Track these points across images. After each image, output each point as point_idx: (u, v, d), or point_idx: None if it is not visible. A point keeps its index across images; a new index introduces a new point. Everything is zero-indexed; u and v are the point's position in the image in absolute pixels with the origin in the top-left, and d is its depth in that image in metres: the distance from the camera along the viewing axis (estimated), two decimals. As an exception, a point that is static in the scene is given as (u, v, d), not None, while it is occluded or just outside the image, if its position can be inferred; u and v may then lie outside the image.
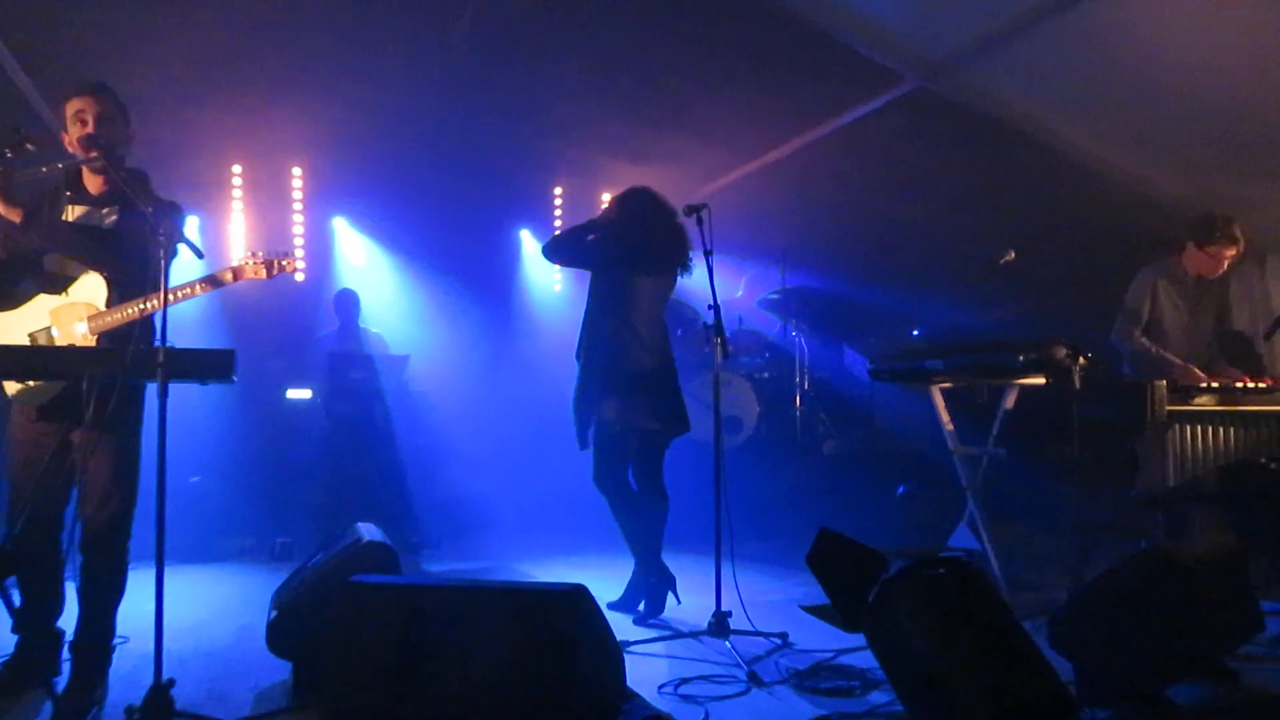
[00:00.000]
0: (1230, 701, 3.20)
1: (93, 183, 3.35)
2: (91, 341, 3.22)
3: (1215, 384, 4.52)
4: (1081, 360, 4.22)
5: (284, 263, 3.47)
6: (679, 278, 4.76)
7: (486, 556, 6.04)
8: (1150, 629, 2.95)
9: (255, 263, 3.43)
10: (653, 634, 4.09)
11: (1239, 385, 4.51)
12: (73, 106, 3.25)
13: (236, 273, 3.40)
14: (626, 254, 4.57)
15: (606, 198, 8.88)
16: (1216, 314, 5.26)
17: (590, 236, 4.67)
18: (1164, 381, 4.39)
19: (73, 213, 3.31)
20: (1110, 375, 4.50)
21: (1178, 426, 4.38)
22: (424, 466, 6.59)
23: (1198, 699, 3.16)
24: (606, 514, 4.60)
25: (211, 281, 3.33)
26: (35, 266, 3.30)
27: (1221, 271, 5.12)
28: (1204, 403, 4.43)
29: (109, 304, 3.25)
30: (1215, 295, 5.28)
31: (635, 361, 4.50)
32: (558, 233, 4.77)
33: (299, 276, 7.94)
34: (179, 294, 3.23)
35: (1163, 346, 5.09)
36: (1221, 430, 4.44)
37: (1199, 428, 4.42)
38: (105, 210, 3.32)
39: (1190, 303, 5.18)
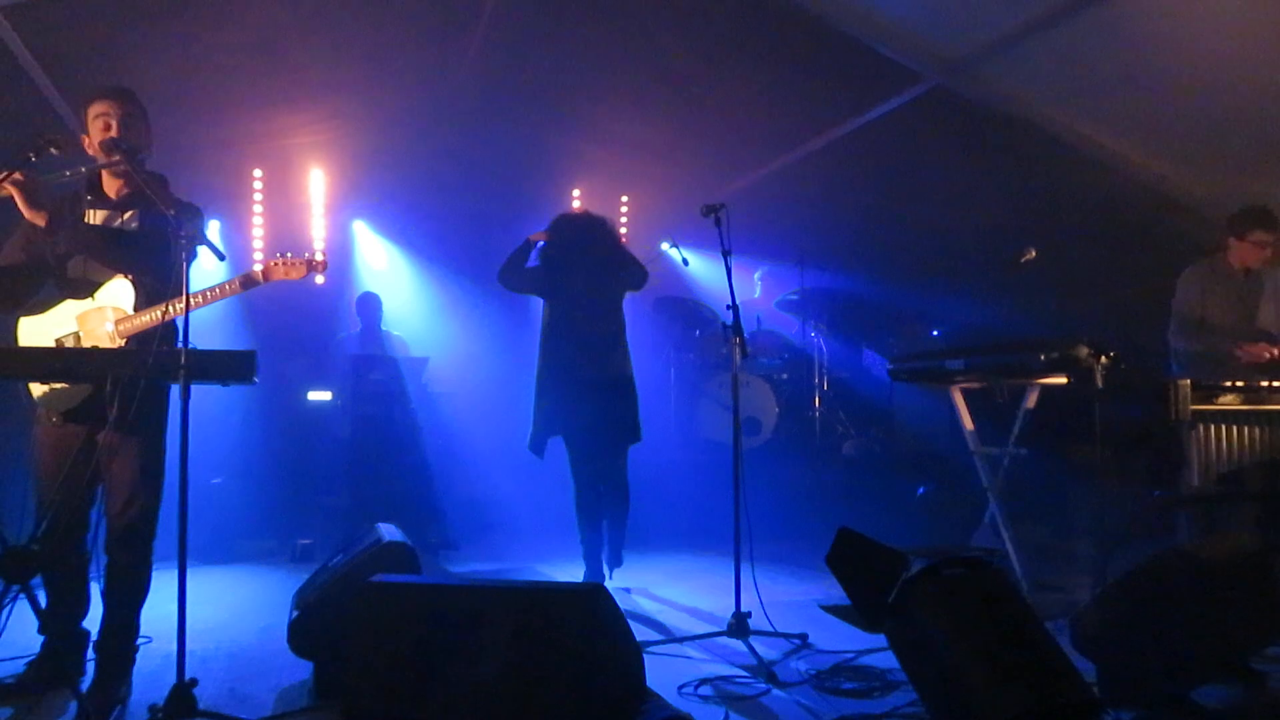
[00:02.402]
0: (1256, 703, 3.16)
1: (112, 186, 3.38)
2: (120, 344, 3.25)
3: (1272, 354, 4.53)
4: (1103, 359, 4.18)
5: (316, 261, 3.49)
6: (625, 281, 5.02)
7: (506, 557, 6.05)
8: (1174, 630, 2.93)
9: (287, 264, 3.44)
10: (672, 634, 4.08)
11: (1263, 384, 4.46)
12: (95, 110, 3.28)
13: (267, 273, 3.42)
14: (557, 277, 4.92)
15: (626, 199, 8.95)
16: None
17: (524, 260, 5.03)
18: (1188, 381, 4.35)
19: (94, 216, 3.33)
20: (1132, 374, 4.47)
21: (1201, 426, 4.33)
22: (444, 468, 6.61)
23: (1223, 701, 3.13)
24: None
25: (244, 282, 3.35)
26: (58, 271, 3.32)
27: (1267, 256, 5.18)
28: (1228, 402, 4.38)
29: (137, 307, 3.27)
30: (1260, 289, 5.32)
31: (570, 374, 4.82)
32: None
33: (319, 279, 7.98)
34: (210, 295, 3.26)
35: (1213, 343, 5.13)
36: (1246, 429, 4.38)
37: (1223, 427, 4.36)
38: (127, 214, 3.35)
39: (1238, 299, 5.24)
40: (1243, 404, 4.40)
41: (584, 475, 4.92)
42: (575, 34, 6.34)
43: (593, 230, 5.02)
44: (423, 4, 6.17)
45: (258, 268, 3.43)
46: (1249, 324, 5.28)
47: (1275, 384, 4.47)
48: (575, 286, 4.90)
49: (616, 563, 5.05)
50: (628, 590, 4.91)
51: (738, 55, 6.46)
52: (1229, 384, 4.42)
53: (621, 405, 4.94)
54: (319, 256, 3.53)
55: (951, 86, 6.26)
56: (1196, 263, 5.34)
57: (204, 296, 3.26)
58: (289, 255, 3.46)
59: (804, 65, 6.44)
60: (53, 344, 3.28)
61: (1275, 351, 4.75)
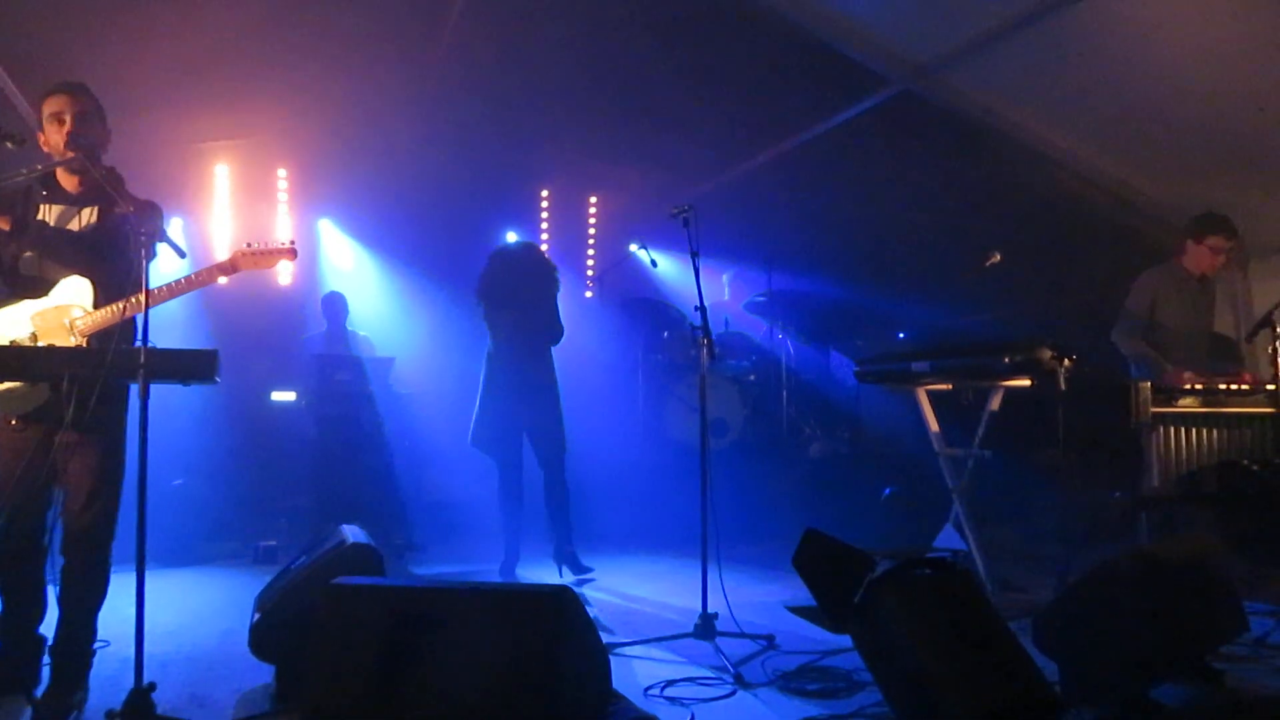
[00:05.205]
0: (1214, 701, 3.21)
1: (68, 182, 3.30)
2: (79, 343, 3.17)
3: (1199, 385, 4.55)
4: (1066, 362, 4.23)
5: (287, 249, 3.42)
6: (550, 297, 5.53)
7: (472, 559, 6.01)
8: (1135, 629, 2.96)
9: (257, 253, 3.37)
10: (639, 636, 4.08)
11: (1221, 387, 4.54)
12: (51, 105, 3.21)
13: (236, 262, 3.35)
14: (484, 307, 5.51)
15: (594, 200, 8.95)
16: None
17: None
18: (1148, 383, 4.41)
19: (49, 213, 3.25)
20: (1095, 377, 4.53)
21: (1161, 428, 4.40)
22: (410, 469, 6.57)
23: (1182, 699, 3.17)
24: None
25: (212, 273, 3.29)
26: (9, 270, 3.23)
27: (1221, 263, 5.26)
28: (1188, 404, 4.45)
29: (96, 305, 3.19)
30: (1212, 295, 5.39)
31: (499, 387, 5.39)
32: None
33: (284, 279, 7.90)
34: (176, 288, 3.19)
35: (1166, 348, 5.19)
36: (1205, 431, 4.46)
37: (1182, 429, 4.44)
38: (84, 211, 3.28)
39: (1191, 303, 5.31)
40: (1201, 407, 4.47)
41: (500, 471, 5.45)
42: (542, 36, 6.32)
43: (527, 258, 5.62)
44: (390, 3, 6.12)
45: (230, 258, 3.37)
46: (1202, 329, 5.35)
47: (1233, 387, 4.54)
48: (505, 307, 5.44)
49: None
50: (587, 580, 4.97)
51: (706, 58, 6.48)
52: (1188, 386, 4.49)
53: (550, 409, 5.42)
54: (285, 249, 3.45)
55: (918, 91, 6.31)
56: (1153, 267, 5.40)
57: (169, 289, 3.18)
58: (257, 244, 3.40)
59: (772, 69, 6.47)
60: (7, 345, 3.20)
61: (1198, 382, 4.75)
